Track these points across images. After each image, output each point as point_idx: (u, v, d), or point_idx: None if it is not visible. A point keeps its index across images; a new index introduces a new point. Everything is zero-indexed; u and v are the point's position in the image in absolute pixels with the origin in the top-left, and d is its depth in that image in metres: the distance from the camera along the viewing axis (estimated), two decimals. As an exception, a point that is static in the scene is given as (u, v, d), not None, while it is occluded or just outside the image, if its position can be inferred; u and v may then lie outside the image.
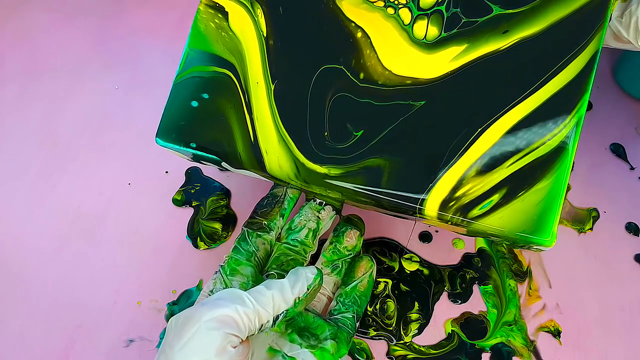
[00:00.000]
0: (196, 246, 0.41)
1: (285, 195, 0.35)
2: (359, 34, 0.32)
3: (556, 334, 0.38)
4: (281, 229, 0.35)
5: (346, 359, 0.37)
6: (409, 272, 0.39)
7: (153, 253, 0.41)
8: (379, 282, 0.39)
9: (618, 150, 0.45)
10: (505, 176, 0.30)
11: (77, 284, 0.39)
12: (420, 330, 0.38)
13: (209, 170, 0.44)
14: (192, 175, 0.44)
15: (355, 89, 0.32)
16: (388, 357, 0.37)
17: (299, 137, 0.32)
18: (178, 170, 0.44)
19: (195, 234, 0.41)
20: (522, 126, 0.30)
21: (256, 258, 0.33)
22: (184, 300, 0.39)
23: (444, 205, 0.30)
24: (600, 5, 0.31)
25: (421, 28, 0.32)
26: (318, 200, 0.35)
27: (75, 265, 0.40)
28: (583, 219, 0.42)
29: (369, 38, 0.32)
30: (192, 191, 0.43)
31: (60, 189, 0.43)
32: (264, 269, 0.34)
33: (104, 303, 0.39)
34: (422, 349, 0.37)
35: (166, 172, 0.44)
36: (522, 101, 0.30)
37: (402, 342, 0.37)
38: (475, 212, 0.30)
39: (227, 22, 0.33)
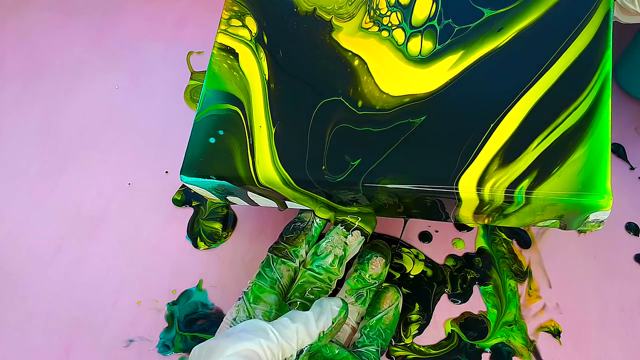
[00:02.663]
0: (196, 246, 0.41)
1: (312, 221, 0.34)
2: (356, 62, 0.33)
3: (556, 334, 0.38)
4: (306, 254, 0.34)
5: None
6: (412, 276, 0.39)
7: (153, 253, 0.41)
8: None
9: (618, 150, 0.45)
10: (532, 160, 0.29)
11: (77, 284, 0.39)
12: (420, 330, 0.38)
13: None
14: (192, 175, 0.44)
15: (354, 118, 0.32)
16: (388, 357, 0.37)
17: (299, 177, 0.31)
18: (178, 170, 0.44)
19: (195, 234, 0.41)
20: (542, 105, 0.29)
21: (280, 285, 0.32)
22: (184, 300, 0.39)
23: (479, 210, 0.30)
24: None
25: (415, 45, 0.32)
26: (346, 224, 0.34)
27: (75, 266, 0.40)
28: (583, 219, 0.42)
29: (366, 64, 0.33)
30: (192, 191, 0.43)
31: (60, 189, 0.43)
32: (287, 296, 0.33)
33: (104, 303, 0.39)
34: (422, 349, 0.37)
35: (166, 172, 0.44)
36: (534, 84, 0.30)
37: (402, 343, 0.37)
38: (512, 208, 0.29)
39: (238, 62, 0.35)
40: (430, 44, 0.32)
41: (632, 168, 0.44)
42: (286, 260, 0.33)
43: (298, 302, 0.32)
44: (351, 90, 0.32)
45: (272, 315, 0.31)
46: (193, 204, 0.42)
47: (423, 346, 0.37)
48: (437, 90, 0.31)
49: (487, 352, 0.37)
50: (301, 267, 0.33)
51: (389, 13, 0.33)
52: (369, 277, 0.33)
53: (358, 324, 0.33)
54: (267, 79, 0.34)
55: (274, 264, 0.33)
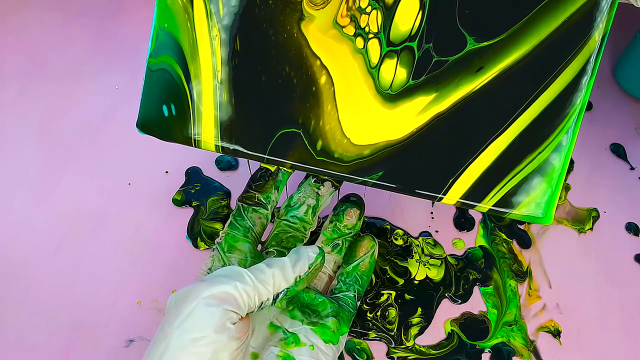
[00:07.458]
0: (196, 246, 0.41)
1: (278, 167, 0.35)
2: (323, 80, 0.29)
3: (556, 334, 0.38)
4: (277, 202, 0.35)
5: (347, 337, 0.36)
6: (417, 282, 0.39)
7: (153, 253, 0.40)
8: (382, 294, 0.39)
9: (618, 150, 0.45)
10: (486, 210, 0.30)
11: (77, 284, 0.39)
12: (420, 331, 0.38)
13: (209, 170, 0.44)
14: (192, 175, 0.44)
15: (310, 162, 0.29)
16: (388, 358, 0.37)
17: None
18: (178, 170, 0.44)
19: (195, 234, 0.41)
20: (502, 159, 0.29)
21: (253, 233, 0.33)
22: (184, 300, 0.39)
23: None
24: (593, 6, 0.28)
25: (389, 71, 0.29)
26: (316, 178, 0.34)
27: (75, 266, 0.40)
28: (583, 219, 0.42)
29: (333, 86, 0.29)
30: (192, 191, 0.43)
31: (60, 189, 0.43)
32: (264, 246, 0.33)
33: (104, 303, 0.39)
34: (423, 349, 0.37)
35: (166, 172, 0.44)
36: (499, 136, 0.29)
37: (403, 346, 0.37)
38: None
39: (192, 8, 0.29)
40: (405, 75, 0.29)
41: (632, 168, 0.44)
42: (257, 208, 0.33)
43: (275, 251, 0.33)
44: (313, 122, 0.29)
45: (247, 263, 0.31)
46: (193, 204, 0.42)
47: (423, 346, 0.37)
48: (401, 142, 0.29)
49: (487, 352, 0.37)
50: (276, 219, 0.34)
51: (368, 9, 0.29)
52: (344, 227, 0.34)
53: (335, 272, 0.34)
54: (219, 81, 0.29)
55: (246, 213, 0.33)
